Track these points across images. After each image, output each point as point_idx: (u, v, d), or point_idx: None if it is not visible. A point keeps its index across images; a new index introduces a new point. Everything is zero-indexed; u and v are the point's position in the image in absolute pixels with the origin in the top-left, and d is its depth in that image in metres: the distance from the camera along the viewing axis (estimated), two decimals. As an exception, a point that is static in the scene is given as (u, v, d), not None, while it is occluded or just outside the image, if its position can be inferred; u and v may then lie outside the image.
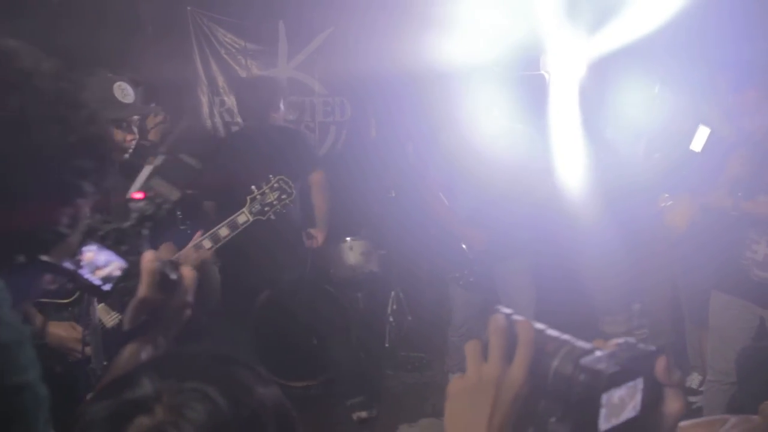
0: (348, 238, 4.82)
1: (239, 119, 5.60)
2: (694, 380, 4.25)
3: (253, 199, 2.54)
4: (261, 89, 4.02)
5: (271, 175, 2.56)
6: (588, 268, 4.43)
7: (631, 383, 0.77)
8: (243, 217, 2.50)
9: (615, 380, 0.76)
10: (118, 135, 2.74)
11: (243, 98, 4.12)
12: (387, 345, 4.89)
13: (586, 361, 0.78)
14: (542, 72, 5.48)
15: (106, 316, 2.66)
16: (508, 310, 0.89)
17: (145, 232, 1.24)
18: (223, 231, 2.45)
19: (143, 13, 5.43)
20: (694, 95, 3.90)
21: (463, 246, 3.82)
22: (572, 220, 4.29)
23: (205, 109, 5.59)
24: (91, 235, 1.17)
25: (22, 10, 4.77)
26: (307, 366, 4.20)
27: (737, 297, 3.36)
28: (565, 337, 0.84)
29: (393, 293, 4.98)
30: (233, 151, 4.00)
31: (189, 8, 5.52)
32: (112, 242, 1.18)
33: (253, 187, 2.54)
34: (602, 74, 5.10)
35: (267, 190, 2.56)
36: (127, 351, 1.19)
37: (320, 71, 5.72)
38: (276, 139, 3.90)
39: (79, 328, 2.54)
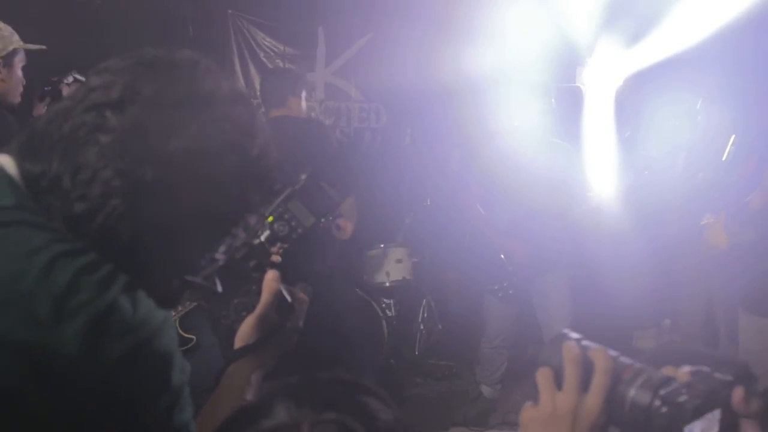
0: (382, 245, 4.81)
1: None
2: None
3: None
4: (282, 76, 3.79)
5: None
6: (621, 282, 4.39)
7: (710, 415, 0.77)
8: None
9: (697, 413, 0.76)
10: None
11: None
12: (417, 353, 4.89)
13: (666, 392, 0.78)
14: (579, 85, 5.44)
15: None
16: (576, 335, 0.89)
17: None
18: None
19: (184, 15, 5.48)
20: (739, 111, 3.83)
21: (502, 257, 3.80)
22: (607, 234, 4.26)
23: (243, 111, 5.63)
24: None
25: (66, 10, 4.84)
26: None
27: None
28: (639, 364, 0.83)
29: (424, 301, 4.98)
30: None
31: (230, 11, 5.57)
32: (241, 256, 1.17)
33: None
34: (641, 87, 5.05)
35: None
36: (237, 369, 1.17)
37: (357, 77, 5.75)
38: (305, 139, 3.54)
39: None
